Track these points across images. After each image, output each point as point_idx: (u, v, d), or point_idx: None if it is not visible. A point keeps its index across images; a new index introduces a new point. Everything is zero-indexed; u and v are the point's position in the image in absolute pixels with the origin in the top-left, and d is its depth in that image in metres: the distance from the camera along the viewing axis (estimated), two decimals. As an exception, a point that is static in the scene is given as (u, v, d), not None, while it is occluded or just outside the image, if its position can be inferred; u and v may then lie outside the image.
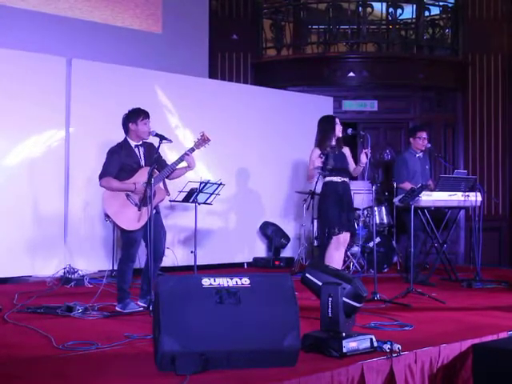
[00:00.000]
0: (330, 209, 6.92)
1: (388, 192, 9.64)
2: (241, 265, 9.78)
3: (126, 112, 6.16)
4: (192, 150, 6.17)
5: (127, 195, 6.00)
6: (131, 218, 5.97)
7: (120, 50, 9.80)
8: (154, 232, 5.86)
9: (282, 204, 10.19)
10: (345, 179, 7.04)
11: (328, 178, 6.98)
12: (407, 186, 7.84)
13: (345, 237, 7.02)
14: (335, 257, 6.92)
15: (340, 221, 6.90)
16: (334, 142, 7.04)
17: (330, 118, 7.21)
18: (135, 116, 6.07)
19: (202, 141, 6.26)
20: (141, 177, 6.00)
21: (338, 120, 7.13)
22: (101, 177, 6.03)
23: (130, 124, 6.07)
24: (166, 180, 6.20)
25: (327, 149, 6.88)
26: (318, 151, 7.02)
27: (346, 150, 7.19)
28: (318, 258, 7.56)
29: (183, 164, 6.17)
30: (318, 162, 6.90)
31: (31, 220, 8.03)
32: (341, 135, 7.05)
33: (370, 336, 4.30)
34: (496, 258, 11.29)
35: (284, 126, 10.23)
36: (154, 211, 5.99)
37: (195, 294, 3.90)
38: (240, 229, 9.79)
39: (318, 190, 7.30)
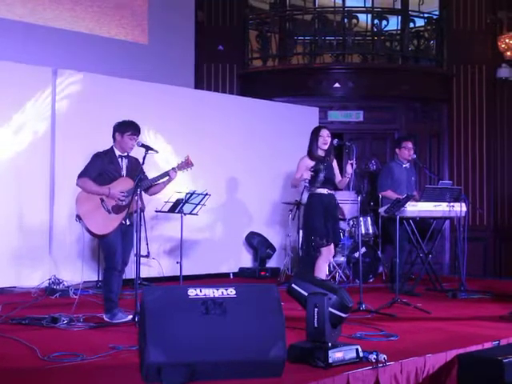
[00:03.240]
0: (316, 220, 6.92)
1: (373, 202, 9.67)
2: (227, 275, 9.76)
3: (119, 121, 6.17)
4: (173, 169, 6.18)
5: (102, 200, 6.00)
6: (100, 222, 5.97)
7: (106, 60, 9.80)
8: (123, 243, 5.94)
9: (267, 214, 10.19)
10: (331, 191, 7.05)
11: (313, 189, 6.98)
12: (390, 194, 7.89)
13: (330, 248, 7.03)
14: (323, 268, 6.95)
15: (326, 232, 6.91)
16: (322, 153, 7.05)
17: (315, 130, 7.17)
18: (124, 128, 6.08)
19: (186, 164, 6.29)
20: (118, 186, 6.02)
21: (324, 132, 7.05)
22: (79, 176, 6.05)
23: (117, 134, 6.09)
24: (143, 194, 6.19)
25: (321, 166, 6.87)
26: (307, 160, 7.04)
27: (334, 163, 7.21)
28: (303, 268, 7.58)
29: (164, 179, 6.17)
30: (307, 175, 6.91)
31: (16, 230, 7.97)
32: (325, 147, 7.03)
33: (356, 346, 4.31)
34: (481, 269, 11.35)
35: (270, 136, 10.25)
36: (128, 222, 6.00)
37: (181, 304, 3.90)
38: (226, 239, 9.78)
39: (304, 200, 7.31)
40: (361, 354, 4.28)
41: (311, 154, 7.06)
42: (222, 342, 3.84)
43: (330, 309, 4.26)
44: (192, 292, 3.95)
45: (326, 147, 7.03)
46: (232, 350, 3.84)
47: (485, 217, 11.60)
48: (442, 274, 10.24)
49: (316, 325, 4.24)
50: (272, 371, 3.92)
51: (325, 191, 6.98)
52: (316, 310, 4.23)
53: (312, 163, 7.00)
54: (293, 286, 4.49)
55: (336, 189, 7.34)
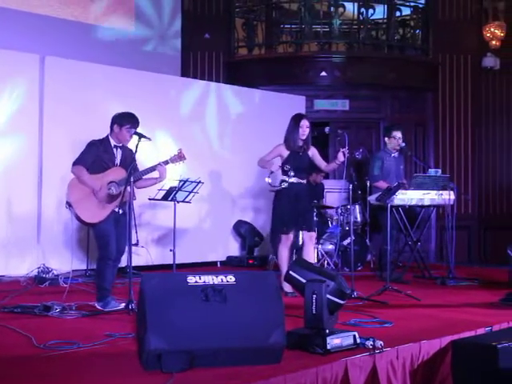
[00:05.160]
0: (282, 208, 6.97)
1: (361, 190, 9.70)
2: (214, 263, 9.75)
3: (119, 112, 6.13)
4: (166, 162, 6.16)
5: (93, 190, 5.98)
6: (91, 211, 5.94)
7: (93, 47, 9.76)
8: (117, 232, 5.92)
9: (255, 203, 10.19)
10: (302, 181, 7.03)
11: (284, 178, 6.97)
12: (382, 184, 7.91)
13: (310, 235, 7.07)
14: (284, 254, 7.01)
15: (291, 220, 6.94)
16: (299, 143, 7.04)
17: (297, 119, 7.07)
18: (123, 121, 6.04)
19: (178, 157, 6.25)
20: (110, 175, 6.00)
21: (304, 122, 6.99)
22: (74, 164, 6.01)
23: (116, 126, 6.06)
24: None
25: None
26: (282, 147, 7.05)
27: (312, 151, 7.15)
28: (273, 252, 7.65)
29: (155, 174, 6.15)
30: (275, 169, 6.94)
31: (4, 219, 7.93)
32: (304, 138, 7.00)
33: (354, 333, 4.34)
34: (465, 256, 11.43)
35: (257, 124, 10.24)
36: (121, 211, 5.97)
37: (181, 291, 3.90)
38: (213, 227, 9.78)
39: (271, 182, 7.26)
40: (358, 341, 4.31)
41: (288, 143, 7.04)
42: (221, 328, 3.85)
43: (328, 295, 4.28)
44: (191, 279, 3.95)
45: (304, 138, 7.02)
46: (232, 337, 3.85)
47: (470, 205, 11.69)
48: (429, 262, 10.28)
49: (314, 311, 4.25)
50: (271, 358, 3.93)
51: (295, 180, 6.96)
52: (314, 296, 4.25)
53: (287, 153, 7.00)
54: (290, 272, 4.50)
55: (324, 177, 7.33)
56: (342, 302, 4.36)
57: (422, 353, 4.59)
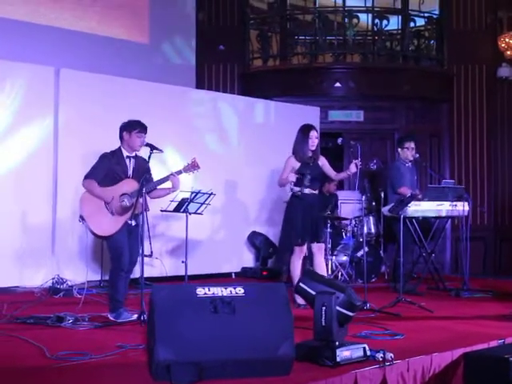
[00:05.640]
0: (296, 219, 6.95)
1: (375, 202, 9.68)
2: (229, 275, 9.76)
3: (125, 121, 6.17)
4: (179, 172, 6.18)
5: (105, 202, 6.01)
6: (104, 224, 5.98)
7: (107, 60, 9.80)
8: (130, 243, 5.93)
9: (269, 214, 10.19)
10: (314, 191, 7.04)
11: (296, 189, 6.97)
12: (406, 190, 7.87)
13: (319, 246, 7.07)
14: (297, 266, 7.00)
15: (304, 231, 6.94)
16: (309, 154, 7.05)
17: (305, 130, 7.07)
18: (131, 127, 6.09)
19: (192, 166, 6.28)
20: (123, 187, 6.02)
21: (313, 133, 7.01)
22: (86, 177, 6.06)
23: (125, 133, 6.09)
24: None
25: (307, 171, 6.88)
26: (293, 160, 7.04)
27: (322, 160, 7.17)
28: (278, 263, 7.62)
29: (168, 184, 6.16)
30: (292, 177, 6.93)
31: (19, 230, 7.97)
32: (313, 149, 7.02)
33: (363, 345, 4.34)
34: (480, 268, 11.35)
35: (271, 136, 10.25)
36: (134, 223, 5.97)
37: (190, 303, 3.92)
38: (228, 239, 9.79)
39: None
40: (368, 353, 4.31)
41: (298, 154, 7.04)
42: (230, 340, 3.86)
43: (338, 307, 4.28)
44: (200, 291, 3.97)
45: (314, 148, 7.03)
46: (240, 349, 3.86)
47: (485, 216, 11.62)
48: (444, 273, 10.22)
49: (324, 323, 4.26)
50: (280, 370, 3.94)
51: (307, 191, 6.97)
52: (324, 308, 4.25)
53: (298, 164, 7.00)
54: (301, 284, 4.50)
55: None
56: (351, 314, 4.35)
57: (433, 365, 4.58)
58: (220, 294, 3.97)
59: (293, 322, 4.01)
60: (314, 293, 4.35)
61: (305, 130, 7.08)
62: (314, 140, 6.98)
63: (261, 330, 3.93)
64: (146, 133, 6.09)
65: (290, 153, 7.20)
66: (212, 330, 3.85)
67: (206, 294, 3.96)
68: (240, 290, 4.02)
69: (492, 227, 11.70)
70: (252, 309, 3.97)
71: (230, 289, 4.01)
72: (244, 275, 9.70)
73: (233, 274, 9.83)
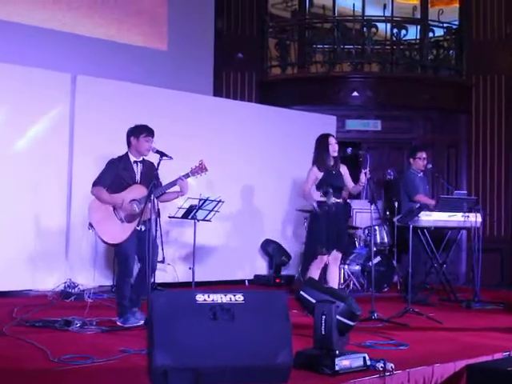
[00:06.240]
0: (319, 229, 6.94)
1: (389, 211, 9.67)
2: (242, 282, 9.79)
3: (132, 126, 6.22)
4: (187, 175, 6.18)
5: (114, 208, 6.06)
6: (113, 231, 6.03)
7: (125, 67, 9.87)
8: (142, 248, 5.87)
9: (283, 222, 10.21)
10: (338, 200, 7.05)
11: (321, 198, 6.99)
12: (422, 198, 7.87)
13: (336, 255, 7.06)
14: (315, 274, 6.96)
15: (328, 241, 6.93)
16: (331, 162, 7.06)
17: (324, 138, 7.11)
18: (138, 131, 6.14)
19: (199, 169, 6.27)
20: (131, 193, 6.07)
21: (332, 140, 7.04)
22: (94, 184, 6.12)
23: (132, 138, 6.14)
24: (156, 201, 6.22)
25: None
26: (315, 170, 7.04)
27: (344, 169, 7.20)
28: (302, 274, 7.61)
29: (176, 188, 6.19)
30: (317, 197, 6.95)
31: (33, 234, 8.07)
32: (335, 155, 7.04)
33: (363, 354, 4.33)
34: (498, 280, 11.27)
35: (287, 144, 10.28)
36: (143, 228, 6.00)
37: (189, 309, 3.93)
38: (241, 246, 9.82)
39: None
40: (368, 362, 4.29)
41: (320, 163, 7.05)
42: (228, 347, 3.87)
43: (338, 316, 4.28)
44: (200, 297, 3.98)
45: (335, 154, 7.05)
46: (238, 356, 3.87)
47: (502, 227, 11.54)
48: (458, 285, 10.19)
49: (323, 332, 4.26)
50: (278, 377, 3.94)
51: (332, 200, 6.97)
52: (323, 317, 4.26)
53: (320, 174, 7.00)
54: (301, 293, 4.51)
55: (350, 196, 7.34)
56: (351, 323, 4.36)
57: (434, 376, 4.55)
58: (219, 301, 3.98)
59: (291, 330, 4.02)
60: (314, 301, 4.36)
61: (324, 137, 7.12)
62: (334, 146, 7.00)
63: (259, 337, 3.93)
64: (153, 137, 6.13)
65: (306, 161, 7.22)
66: (210, 336, 3.87)
67: (205, 300, 3.97)
68: (240, 298, 4.03)
69: (509, 238, 11.61)
70: (251, 316, 3.98)
71: (229, 296, 4.02)
72: (257, 282, 9.73)
73: (246, 282, 9.86)
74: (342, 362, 4.17)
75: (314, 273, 7.01)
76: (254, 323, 3.97)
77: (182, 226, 8.81)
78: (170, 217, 7.68)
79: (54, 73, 8.36)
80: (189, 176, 6.19)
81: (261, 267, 10.10)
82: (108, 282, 8.31)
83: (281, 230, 10.19)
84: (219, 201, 7.64)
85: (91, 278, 8.22)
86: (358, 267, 9.03)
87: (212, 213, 7.69)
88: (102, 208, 6.06)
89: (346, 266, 8.96)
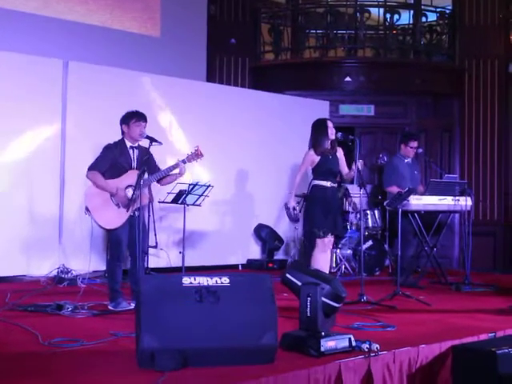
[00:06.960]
0: (316, 212, 6.98)
1: (381, 196, 9.72)
2: (235, 266, 9.85)
3: (123, 114, 6.27)
4: (183, 161, 6.29)
5: (111, 194, 6.12)
6: (109, 217, 6.09)
7: (118, 53, 9.88)
8: (133, 233, 5.97)
9: (276, 207, 10.23)
10: (334, 184, 7.11)
11: (317, 182, 7.05)
12: (394, 189, 7.93)
13: (329, 239, 7.10)
14: (320, 260, 6.99)
15: (325, 224, 6.97)
16: (328, 146, 7.11)
17: (322, 122, 7.17)
18: (128, 118, 6.19)
19: (195, 155, 6.37)
20: (127, 179, 6.12)
21: (330, 123, 7.12)
22: (90, 169, 6.17)
23: (123, 126, 6.20)
24: (152, 185, 6.30)
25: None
26: (312, 153, 7.09)
27: (340, 153, 7.24)
28: (304, 259, 7.65)
29: (175, 170, 6.29)
30: (292, 204, 7.14)
31: (27, 220, 8.12)
32: (333, 137, 7.09)
33: (349, 336, 4.37)
34: (491, 263, 11.35)
35: (280, 129, 10.32)
36: (137, 213, 6.04)
37: (175, 292, 3.98)
38: (234, 231, 9.88)
39: None
40: (353, 344, 4.34)
41: (317, 147, 7.09)
42: (214, 329, 3.93)
43: (323, 298, 4.34)
44: (186, 280, 4.04)
45: (333, 137, 7.09)
46: (224, 337, 3.93)
47: (495, 211, 11.60)
48: (451, 268, 10.27)
49: (309, 314, 4.32)
50: (264, 358, 4.00)
51: (328, 184, 7.03)
52: (309, 299, 4.31)
53: (317, 158, 7.05)
54: (287, 275, 4.57)
55: (341, 180, 7.39)
56: (337, 305, 4.42)
57: (420, 357, 4.60)
58: (205, 284, 4.03)
59: (276, 312, 4.07)
60: (299, 283, 4.42)
61: (321, 121, 7.19)
62: (332, 128, 7.08)
63: (245, 319, 3.99)
64: (144, 121, 6.17)
65: (299, 146, 7.27)
66: (196, 318, 3.92)
67: (191, 283, 4.03)
68: (225, 280, 4.08)
69: (502, 222, 11.68)
70: (237, 298, 4.03)
71: (215, 278, 4.08)
72: (250, 267, 9.79)
73: (239, 266, 9.92)
74: (328, 343, 4.22)
75: (318, 257, 7.02)
76: (239, 305, 4.02)
77: (175, 211, 8.85)
78: (159, 202, 7.73)
79: (45, 59, 8.38)
80: (185, 162, 6.27)
81: (254, 252, 10.16)
82: (102, 268, 8.35)
83: (274, 214, 10.23)
84: (208, 185, 7.69)
85: (84, 263, 8.24)
86: (349, 251, 9.10)
87: (202, 198, 7.74)
88: (99, 194, 6.11)
89: (338, 250, 9.02)
